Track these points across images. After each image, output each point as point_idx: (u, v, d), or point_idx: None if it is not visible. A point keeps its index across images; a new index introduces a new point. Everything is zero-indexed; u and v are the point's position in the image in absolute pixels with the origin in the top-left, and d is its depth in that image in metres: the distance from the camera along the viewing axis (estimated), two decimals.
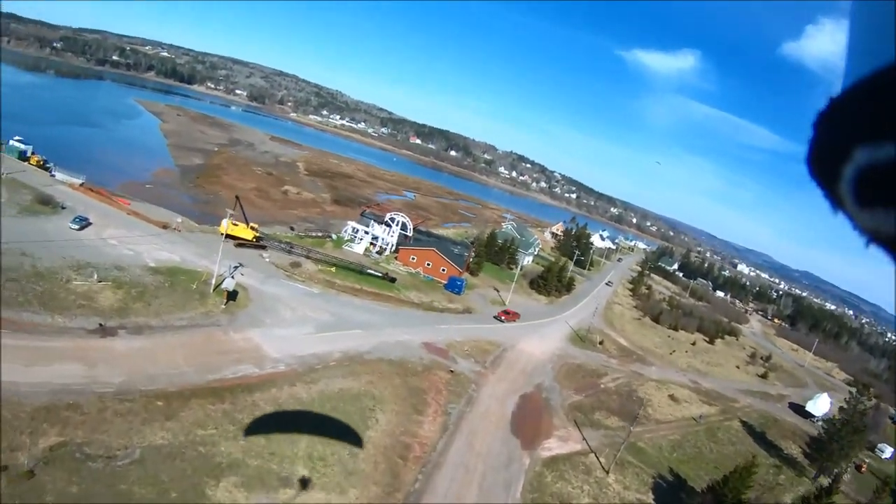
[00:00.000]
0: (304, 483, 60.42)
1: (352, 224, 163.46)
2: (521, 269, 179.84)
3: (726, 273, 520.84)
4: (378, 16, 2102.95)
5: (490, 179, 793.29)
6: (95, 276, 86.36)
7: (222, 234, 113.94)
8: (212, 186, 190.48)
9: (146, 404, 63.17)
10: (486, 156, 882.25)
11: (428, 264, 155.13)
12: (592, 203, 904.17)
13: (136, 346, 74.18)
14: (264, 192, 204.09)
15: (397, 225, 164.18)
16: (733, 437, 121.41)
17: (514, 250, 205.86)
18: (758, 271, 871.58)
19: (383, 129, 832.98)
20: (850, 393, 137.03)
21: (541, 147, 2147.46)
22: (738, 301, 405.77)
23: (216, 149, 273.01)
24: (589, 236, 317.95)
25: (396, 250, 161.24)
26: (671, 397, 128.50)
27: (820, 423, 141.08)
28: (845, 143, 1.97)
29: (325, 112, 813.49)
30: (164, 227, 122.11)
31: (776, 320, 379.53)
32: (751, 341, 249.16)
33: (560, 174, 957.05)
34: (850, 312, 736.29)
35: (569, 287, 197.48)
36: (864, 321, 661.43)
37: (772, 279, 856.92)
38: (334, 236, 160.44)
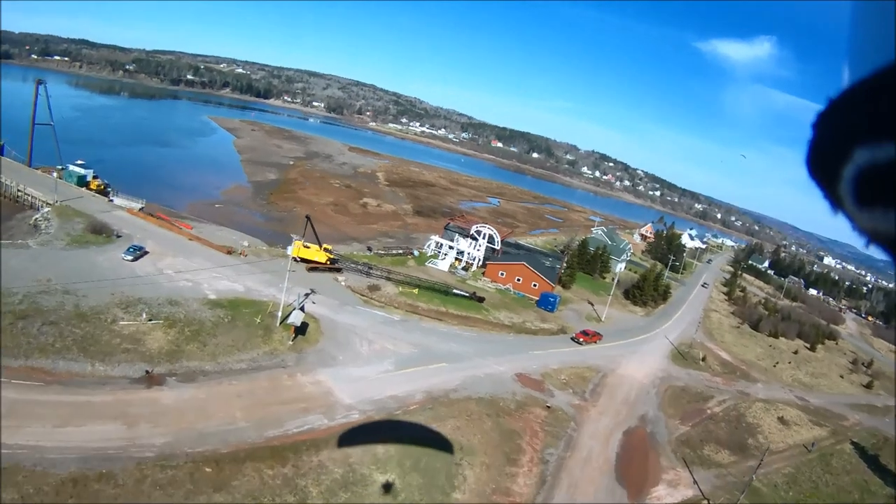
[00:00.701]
0: None
1: (435, 239, 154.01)
2: (616, 281, 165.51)
3: (815, 268, 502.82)
4: (452, 20, 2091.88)
5: (573, 180, 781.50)
6: (145, 315, 76.92)
7: (292, 257, 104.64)
8: (286, 203, 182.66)
9: (192, 471, 53.71)
10: (568, 156, 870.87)
11: (518, 279, 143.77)
12: (676, 200, 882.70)
13: (186, 396, 64.62)
14: (342, 206, 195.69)
15: (484, 238, 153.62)
16: (847, 463, 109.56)
17: (606, 258, 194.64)
18: (844, 263, 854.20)
19: (464, 135, 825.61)
20: None
21: (622, 145, 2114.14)
22: (831, 299, 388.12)
23: (291, 162, 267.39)
24: (679, 237, 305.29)
25: (484, 265, 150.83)
26: (780, 420, 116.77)
27: None
28: (845, 143, 2.03)
29: (404, 120, 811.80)
30: (229, 252, 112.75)
31: (870, 318, 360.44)
32: (850, 345, 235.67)
33: (643, 171, 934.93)
34: None
35: (665, 295, 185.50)
36: None
37: (858, 271, 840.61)
38: (416, 253, 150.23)
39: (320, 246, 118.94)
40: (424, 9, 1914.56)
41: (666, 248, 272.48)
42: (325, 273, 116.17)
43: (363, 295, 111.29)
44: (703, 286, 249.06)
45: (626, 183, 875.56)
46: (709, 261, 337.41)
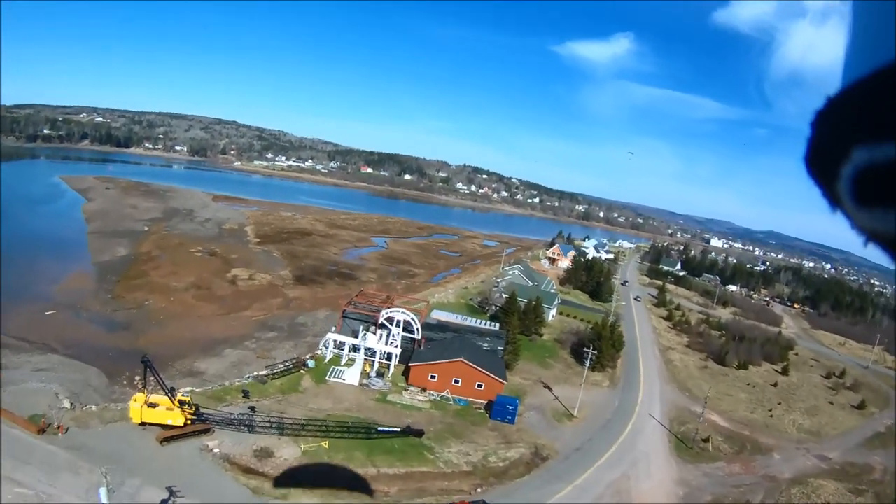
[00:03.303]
0: None
1: (333, 337, 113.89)
2: (588, 360, 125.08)
3: (711, 254, 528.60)
4: (309, 48, 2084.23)
5: (450, 198, 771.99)
6: None
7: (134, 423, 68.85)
8: (135, 294, 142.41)
9: None
10: (440, 174, 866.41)
11: (456, 381, 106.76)
12: (556, 204, 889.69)
13: None
14: (206, 288, 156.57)
15: (398, 326, 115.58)
16: None
17: (539, 311, 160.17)
18: (730, 241, 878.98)
19: (332, 164, 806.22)
20: None
21: (493, 155, 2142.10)
22: (752, 294, 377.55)
23: (146, 228, 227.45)
24: (601, 265, 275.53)
25: (405, 364, 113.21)
26: None
27: None
28: (844, 142, 2.05)
29: (269, 155, 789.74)
30: (41, 431, 73.07)
31: (796, 306, 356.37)
32: (806, 350, 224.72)
33: (518, 179, 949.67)
34: (829, 266, 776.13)
35: (619, 346, 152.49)
36: (843, 271, 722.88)
37: (745, 247, 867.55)
38: (311, 363, 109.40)
39: (173, 398, 78.89)
40: (282, 37, 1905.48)
41: (586, 277, 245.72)
42: (188, 439, 77.39)
43: (249, 473, 72.59)
44: (635, 300, 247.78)
45: (504, 193, 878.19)
46: (624, 282, 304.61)
